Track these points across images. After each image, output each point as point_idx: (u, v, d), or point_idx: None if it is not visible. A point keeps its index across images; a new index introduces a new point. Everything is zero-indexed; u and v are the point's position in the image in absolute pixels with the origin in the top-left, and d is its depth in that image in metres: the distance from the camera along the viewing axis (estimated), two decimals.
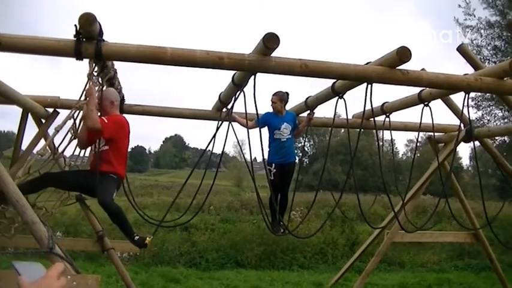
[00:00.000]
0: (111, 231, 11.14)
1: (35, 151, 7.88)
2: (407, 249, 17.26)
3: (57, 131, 6.01)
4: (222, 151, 7.08)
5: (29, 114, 8.27)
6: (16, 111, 8.16)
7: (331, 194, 7.64)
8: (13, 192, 4.88)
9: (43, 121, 8.32)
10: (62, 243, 6.11)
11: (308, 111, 8.17)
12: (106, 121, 6.13)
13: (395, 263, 16.58)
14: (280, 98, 8.00)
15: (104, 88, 6.55)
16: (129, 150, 7.10)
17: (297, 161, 8.72)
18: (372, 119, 6.95)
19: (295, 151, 8.67)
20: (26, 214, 4.87)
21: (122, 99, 8.13)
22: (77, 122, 6.13)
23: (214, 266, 15.14)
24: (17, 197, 4.88)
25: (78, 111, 6.03)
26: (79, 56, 4.93)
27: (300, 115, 8.44)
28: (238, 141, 7.56)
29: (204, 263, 15.24)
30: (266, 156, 7.30)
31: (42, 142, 8.00)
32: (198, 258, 15.46)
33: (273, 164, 7.92)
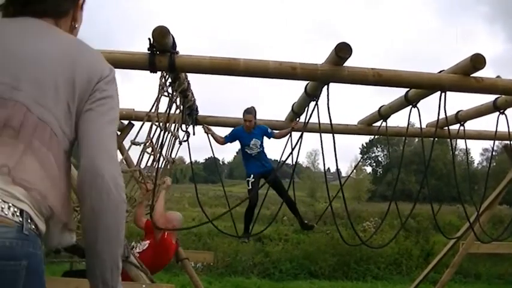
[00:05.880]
0: (185, 241, 11.26)
1: None
2: (483, 260, 16.82)
3: (133, 144, 6.14)
4: (296, 162, 7.08)
5: None
6: None
7: (395, 205, 7.48)
8: None
9: (118, 133, 8.48)
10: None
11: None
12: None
13: (471, 274, 16.21)
14: (255, 115, 8.17)
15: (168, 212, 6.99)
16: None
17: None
18: (446, 127, 6.83)
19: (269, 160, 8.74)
20: None
21: (196, 110, 8.23)
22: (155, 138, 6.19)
23: (287, 277, 15.12)
24: None
25: (155, 127, 6.11)
26: (153, 69, 5.00)
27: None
28: (335, 151, 7.55)
29: (278, 274, 15.23)
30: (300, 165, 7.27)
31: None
32: (271, 269, 15.46)
33: (252, 175, 8.05)
